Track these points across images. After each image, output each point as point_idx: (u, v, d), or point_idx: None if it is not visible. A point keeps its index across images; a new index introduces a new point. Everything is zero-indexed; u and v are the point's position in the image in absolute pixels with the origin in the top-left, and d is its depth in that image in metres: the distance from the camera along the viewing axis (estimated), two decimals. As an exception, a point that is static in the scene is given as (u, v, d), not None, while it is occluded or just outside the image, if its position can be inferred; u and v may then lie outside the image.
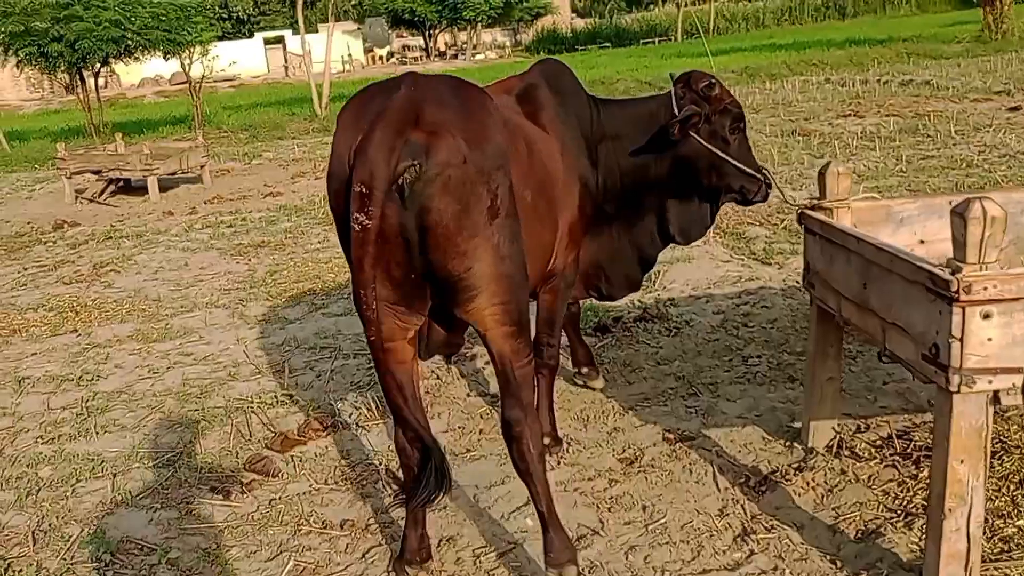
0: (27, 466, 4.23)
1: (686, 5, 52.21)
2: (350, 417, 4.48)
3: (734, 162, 3.69)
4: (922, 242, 3.60)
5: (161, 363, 5.62)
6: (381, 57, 63.15)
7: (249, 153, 17.42)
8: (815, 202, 3.50)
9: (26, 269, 8.72)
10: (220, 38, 67.47)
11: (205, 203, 12.05)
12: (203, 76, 21.91)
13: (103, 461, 4.21)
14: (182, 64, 21.53)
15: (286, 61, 55.57)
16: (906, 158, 9.70)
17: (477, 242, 2.64)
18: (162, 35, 20.12)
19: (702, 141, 3.62)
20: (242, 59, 57.91)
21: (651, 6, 59.88)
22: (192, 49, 21.28)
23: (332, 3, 21.35)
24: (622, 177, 3.75)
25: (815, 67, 22.29)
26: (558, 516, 2.95)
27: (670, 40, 49.80)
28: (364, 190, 2.46)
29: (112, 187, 13.59)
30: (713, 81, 3.72)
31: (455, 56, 60.35)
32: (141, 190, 13.21)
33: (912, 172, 9.02)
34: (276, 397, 4.83)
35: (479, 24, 58.86)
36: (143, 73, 49.74)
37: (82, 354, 5.91)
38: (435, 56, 61.49)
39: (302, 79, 22.23)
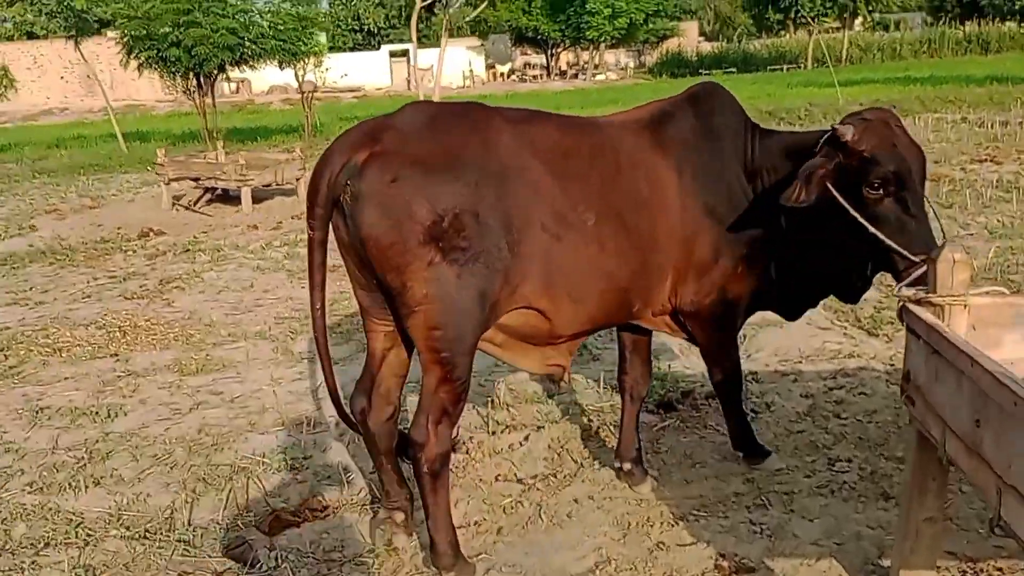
0: (2, 520, 3.83)
1: (819, 32, 50.33)
2: (360, 496, 3.92)
3: (870, 227, 3.08)
4: (1064, 357, 2.79)
5: (187, 401, 5.20)
6: (502, 74, 63.29)
7: (351, 167, 17.27)
8: (922, 294, 2.74)
9: (96, 279, 8.57)
10: (351, 49, 70.12)
11: (293, 218, 11.83)
12: (315, 87, 22.02)
13: (82, 523, 3.76)
14: (296, 74, 21.70)
15: (409, 74, 56.34)
16: (1049, 215, 8.58)
17: (410, 260, 2.82)
18: (277, 44, 20.27)
19: (836, 194, 3.17)
20: (368, 71, 59.34)
21: (782, 32, 57.96)
22: (307, 60, 21.39)
23: (446, 20, 21.13)
24: (780, 214, 3.41)
25: (951, 104, 20.78)
26: (448, 528, 3.16)
27: (799, 67, 48.07)
28: (309, 205, 2.95)
29: (208, 195, 13.61)
30: (850, 122, 3.18)
31: (575, 75, 59.96)
32: (237, 200, 13.10)
33: (1056, 232, 7.93)
34: (287, 459, 4.31)
35: (602, 44, 58.32)
36: (272, 80, 51.25)
37: (113, 383, 5.56)
38: (555, 75, 61.26)
39: (425, 92, 22.27)
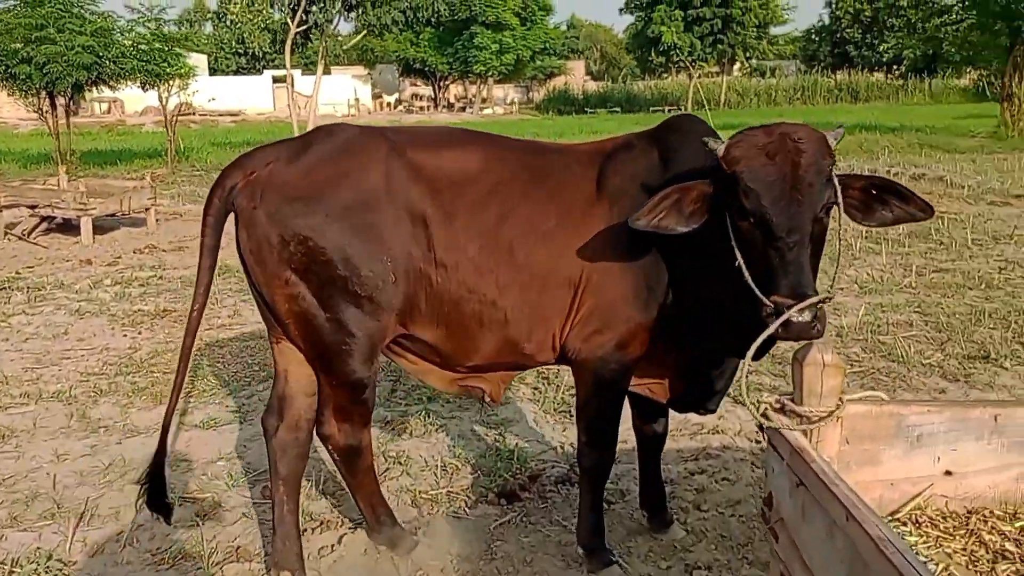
0: None
1: (699, 77, 51.72)
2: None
3: (739, 258, 2.67)
4: (949, 473, 2.33)
5: (-59, 485, 4.31)
6: (389, 104, 62.64)
7: (213, 196, 16.22)
8: (787, 404, 2.23)
9: None
10: (234, 72, 68.13)
11: (134, 252, 10.83)
12: (193, 110, 20.86)
13: None
14: (160, 96, 20.50)
15: (289, 100, 55.07)
16: (916, 268, 8.48)
17: (271, 279, 3.02)
18: (139, 65, 19.07)
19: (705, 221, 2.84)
20: (251, 95, 57.76)
21: (664, 74, 59.38)
22: (172, 82, 20.22)
23: (323, 47, 20.33)
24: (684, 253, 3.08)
25: (823, 151, 21.22)
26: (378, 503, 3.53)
27: (680, 109, 49.14)
28: (203, 212, 3.15)
29: (45, 225, 12.41)
30: (737, 138, 2.77)
31: (463, 108, 59.82)
32: (79, 230, 11.97)
33: (923, 288, 7.79)
34: (42, 567, 3.51)
35: (490, 78, 58.44)
36: (147, 101, 49.09)
37: None
38: (443, 107, 60.98)
39: (307, 118, 21.39)
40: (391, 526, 3.58)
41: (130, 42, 19.56)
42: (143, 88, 20.58)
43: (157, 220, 13.01)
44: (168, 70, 19.86)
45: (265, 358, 6.30)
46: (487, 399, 3.42)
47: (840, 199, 2.61)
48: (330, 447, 3.31)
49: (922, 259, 9.01)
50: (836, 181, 2.62)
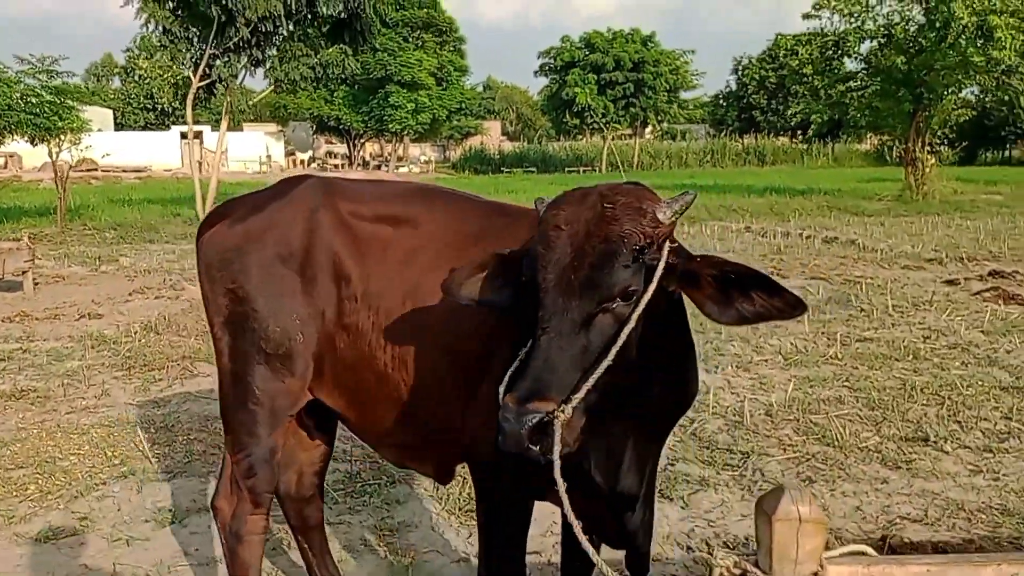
0: None
1: (613, 139, 52.47)
2: None
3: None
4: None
5: None
6: (303, 161, 61.66)
7: (104, 257, 15.22)
8: (750, 570, 1.66)
9: None
10: (142, 128, 66.41)
11: (2, 320, 9.81)
12: (76, 166, 19.77)
13: None
14: (50, 152, 19.38)
15: (187, 155, 53.77)
16: (840, 338, 8.15)
17: (210, 326, 3.11)
18: (28, 118, 18.01)
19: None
20: (158, 151, 56.28)
21: (579, 136, 60.14)
22: (63, 137, 19.14)
23: (227, 102, 19.56)
24: None
25: (735, 213, 21.37)
26: None
27: (594, 170, 49.66)
28: None
29: (-93, 289, 11.29)
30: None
31: (378, 166, 59.32)
32: (-55, 295, 10.90)
33: (849, 359, 7.43)
34: None
35: (406, 137, 58.17)
36: (46, 157, 47.20)
37: None
38: (358, 165, 60.34)
39: (219, 176, 20.40)
40: None
41: (18, 94, 18.52)
42: (31, 143, 19.51)
43: (36, 284, 11.98)
44: (59, 124, 18.83)
45: (128, 450, 5.50)
46: (436, 479, 3.14)
47: (651, 286, 2.09)
48: (218, 523, 3.22)
49: (844, 327, 8.70)
50: (661, 264, 2.10)
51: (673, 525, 4.32)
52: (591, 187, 2.23)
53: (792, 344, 8.02)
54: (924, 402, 6.19)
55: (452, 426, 2.76)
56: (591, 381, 2.01)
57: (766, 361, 7.45)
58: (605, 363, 2.03)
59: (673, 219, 2.15)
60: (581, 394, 1.99)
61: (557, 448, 1.93)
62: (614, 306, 2.06)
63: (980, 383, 6.58)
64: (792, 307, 2.11)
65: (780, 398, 6.32)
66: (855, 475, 4.91)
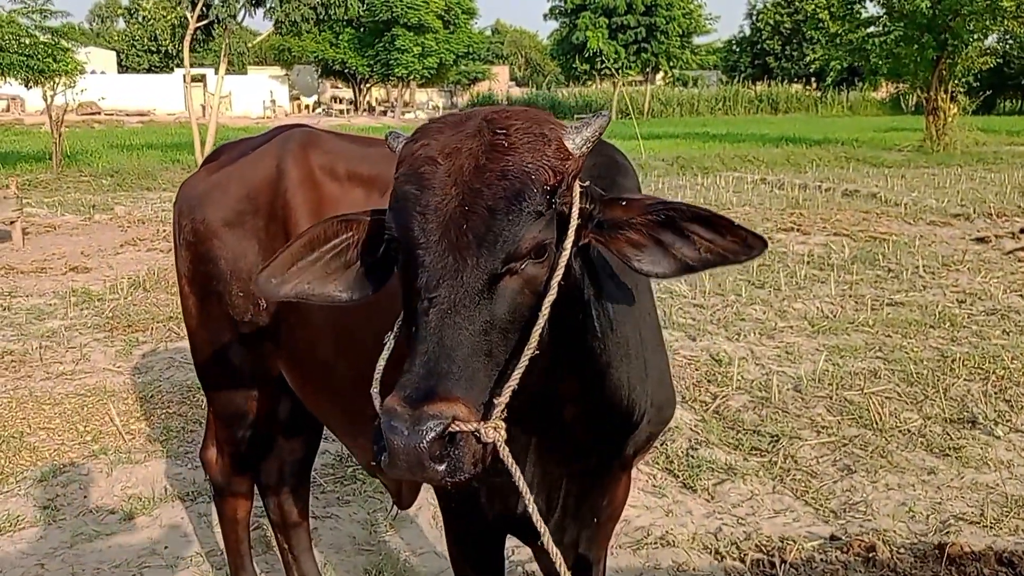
0: None
1: (623, 84, 51.37)
2: None
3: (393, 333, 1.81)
4: None
5: None
6: (307, 106, 60.73)
7: (98, 205, 14.72)
8: None
9: None
10: (147, 71, 65.42)
11: (-14, 273, 9.37)
12: (68, 109, 19.21)
13: None
14: (44, 95, 18.77)
15: (205, 100, 52.88)
16: (869, 301, 7.64)
17: (179, 282, 2.85)
18: (20, 60, 17.38)
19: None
20: (161, 95, 55.42)
21: (588, 82, 58.94)
22: (58, 79, 18.52)
23: (226, 44, 18.83)
24: None
25: (750, 163, 20.70)
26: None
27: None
28: None
29: None
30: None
31: (384, 112, 58.38)
32: (-73, 245, 10.46)
33: (880, 326, 6.93)
34: None
35: (412, 82, 57.14)
36: (58, 101, 46.44)
37: None
38: (363, 111, 59.42)
39: (220, 120, 19.66)
40: None
41: (11, 34, 17.86)
42: (26, 86, 18.88)
43: (26, 234, 11.53)
44: (53, 66, 18.19)
45: (102, 424, 5.06)
46: (395, 499, 2.86)
47: (568, 239, 1.58)
48: (207, 474, 3.10)
49: (872, 289, 8.19)
50: (575, 209, 1.59)
51: (698, 523, 3.87)
52: (469, 110, 1.67)
53: (818, 308, 7.52)
54: (967, 376, 5.71)
55: None
56: (518, 372, 1.50)
57: (791, 328, 6.95)
58: (532, 345, 1.52)
59: (584, 149, 1.62)
60: (507, 394, 1.48)
61: (461, 468, 1.43)
62: (523, 267, 1.54)
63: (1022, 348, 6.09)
64: (748, 246, 1.63)
65: (809, 371, 5.84)
66: (899, 464, 4.44)
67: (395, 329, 1.71)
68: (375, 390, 1.62)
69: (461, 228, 1.50)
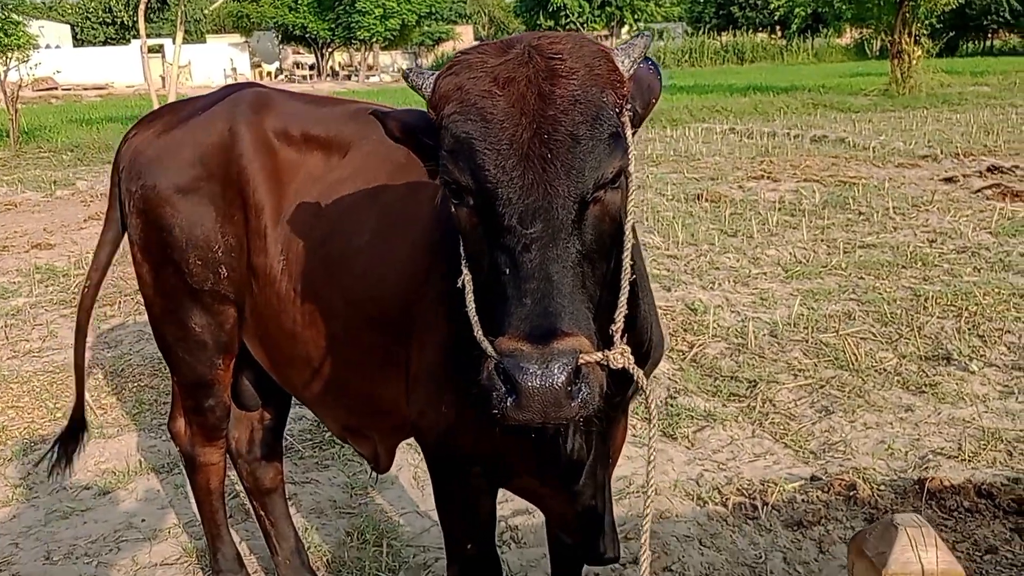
0: None
1: (588, 39, 50.87)
2: None
3: (464, 279, 1.66)
4: None
5: None
6: (269, 73, 59.71)
7: (59, 180, 14.40)
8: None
9: None
10: (102, 43, 64.03)
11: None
12: (22, 85, 18.73)
13: None
14: (-4, 70, 18.32)
15: (164, 71, 51.86)
16: (841, 245, 7.66)
17: (131, 249, 2.74)
18: (-32, 34, 16.94)
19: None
20: (119, 67, 54.25)
21: (553, 38, 58.41)
22: (10, 53, 18.04)
23: (180, 11, 18.42)
24: None
25: (719, 114, 20.64)
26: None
27: (570, 74, 48.38)
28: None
29: None
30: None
31: (348, 77, 57.60)
32: None
33: (852, 268, 6.95)
34: None
35: (375, 45, 56.34)
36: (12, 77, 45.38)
37: None
38: (327, 76, 58.56)
39: (178, 91, 19.17)
40: (236, 572, 3.13)
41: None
42: (-24, 61, 18.38)
43: (-17, 213, 11.29)
44: (5, 40, 17.72)
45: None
46: (372, 464, 2.69)
47: (631, 163, 1.55)
48: (177, 446, 3.08)
49: (844, 232, 8.21)
50: (630, 131, 1.54)
51: (679, 470, 3.87)
52: (504, 39, 1.60)
53: (791, 253, 7.53)
54: (939, 314, 5.74)
55: (379, 399, 2.34)
56: (623, 297, 1.54)
57: (765, 274, 6.96)
58: (626, 269, 1.55)
59: (631, 71, 1.58)
60: (620, 319, 1.50)
61: (595, 400, 1.43)
62: (605, 193, 1.50)
63: (997, 291, 6.12)
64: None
65: (784, 315, 5.85)
66: (876, 403, 4.46)
67: (464, 272, 1.62)
68: (479, 332, 1.52)
69: (546, 159, 1.44)
